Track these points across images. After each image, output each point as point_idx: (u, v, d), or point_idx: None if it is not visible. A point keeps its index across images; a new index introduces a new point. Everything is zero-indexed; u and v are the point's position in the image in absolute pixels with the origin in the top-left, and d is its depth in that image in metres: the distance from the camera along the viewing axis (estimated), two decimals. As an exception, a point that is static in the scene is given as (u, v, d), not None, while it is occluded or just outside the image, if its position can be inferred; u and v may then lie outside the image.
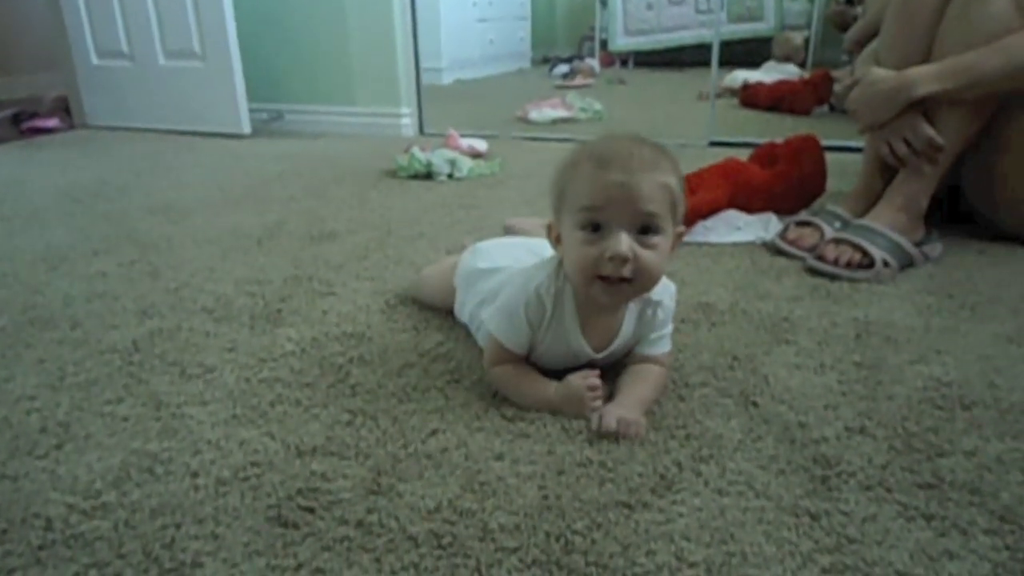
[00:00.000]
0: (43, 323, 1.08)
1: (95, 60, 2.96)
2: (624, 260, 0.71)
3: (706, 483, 0.69)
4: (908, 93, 1.24)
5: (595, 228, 0.73)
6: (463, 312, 1.00)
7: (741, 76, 3.48)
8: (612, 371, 0.86)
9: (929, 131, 1.24)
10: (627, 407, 0.77)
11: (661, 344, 0.86)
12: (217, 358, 0.96)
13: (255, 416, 0.82)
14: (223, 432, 0.78)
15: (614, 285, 0.74)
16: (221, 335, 1.03)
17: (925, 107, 1.26)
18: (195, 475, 0.71)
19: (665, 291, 0.83)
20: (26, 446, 0.77)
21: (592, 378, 0.79)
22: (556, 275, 0.81)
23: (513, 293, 0.83)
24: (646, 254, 0.72)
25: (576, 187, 0.74)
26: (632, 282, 0.74)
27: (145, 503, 0.67)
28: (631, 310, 0.83)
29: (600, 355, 0.84)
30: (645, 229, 0.73)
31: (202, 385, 0.89)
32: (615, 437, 0.75)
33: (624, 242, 0.71)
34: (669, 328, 0.86)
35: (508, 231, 1.37)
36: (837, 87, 2.96)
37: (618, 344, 0.84)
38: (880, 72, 1.30)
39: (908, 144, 1.27)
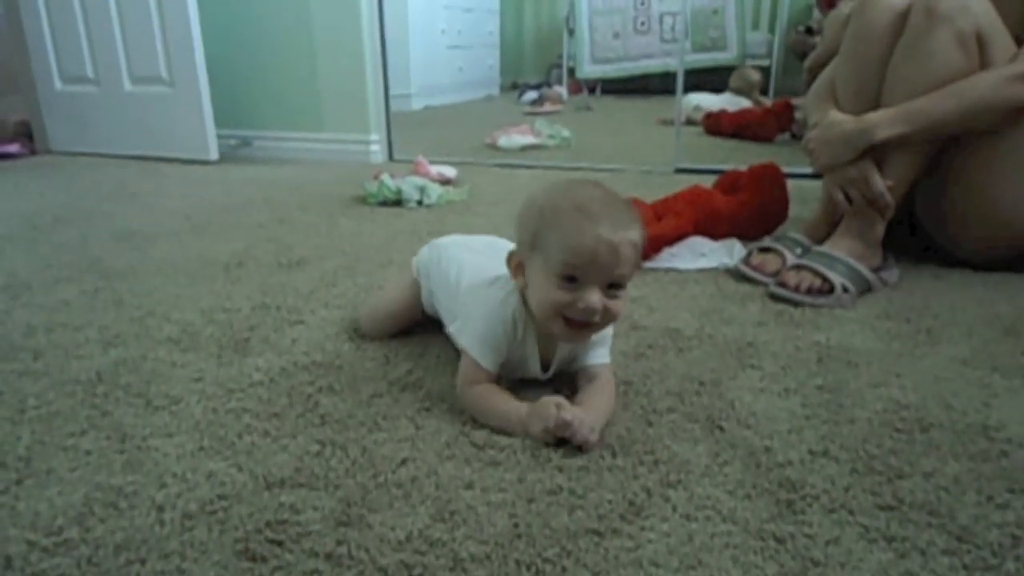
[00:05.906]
0: (3, 354, 1.06)
1: (59, 85, 2.93)
2: (595, 313, 0.79)
3: (674, 508, 0.69)
4: (867, 137, 1.28)
5: (571, 279, 0.79)
6: (432, 300, 1.05)
7: (694, 100, 3.52)
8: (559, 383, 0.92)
9: (881, 186, 1.29)
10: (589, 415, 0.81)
11: (601, 354, 0.92)
12: (183, 388, 0.95)
13: (222, 447, 0.81)
14: (189, 464, 0.77)
15: (578, 328, 0.82)
16: (188, 365, 1.02)
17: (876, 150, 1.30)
18: (160, 509, 0.70)
19: None
20: (-15, 482, 0.75)
21: (563, 402, 0.82)
22: (523, 303, 0.87)
23: (489, 315, 0.87)
24: (613, 303, 0.80)
25: (559, 235, 0.78)
26: (598, 325, 0.83)
27: (109, 539, 0.66)
28: None
29: (546, 375, 0.93)
30: (614, 285, 0.80)
31: (168, 417, 0.88)
32: (573, 438, 0.78)
33: (598, 298, 0.79)
34: (608, 341, 0.93)
35: None
36: (798, 115, 3.04)
37: (557, 362, 0.92)
38: (839, 116, 1.34)
39: (862, 193, 1.31)
